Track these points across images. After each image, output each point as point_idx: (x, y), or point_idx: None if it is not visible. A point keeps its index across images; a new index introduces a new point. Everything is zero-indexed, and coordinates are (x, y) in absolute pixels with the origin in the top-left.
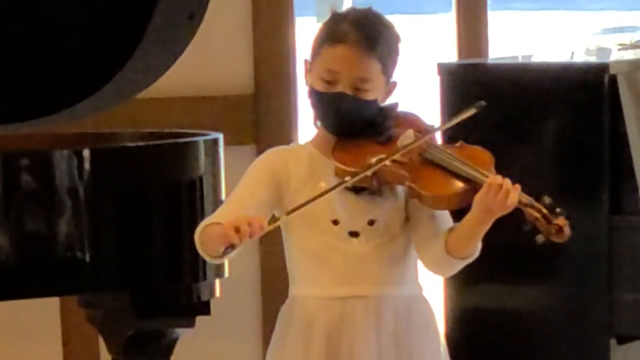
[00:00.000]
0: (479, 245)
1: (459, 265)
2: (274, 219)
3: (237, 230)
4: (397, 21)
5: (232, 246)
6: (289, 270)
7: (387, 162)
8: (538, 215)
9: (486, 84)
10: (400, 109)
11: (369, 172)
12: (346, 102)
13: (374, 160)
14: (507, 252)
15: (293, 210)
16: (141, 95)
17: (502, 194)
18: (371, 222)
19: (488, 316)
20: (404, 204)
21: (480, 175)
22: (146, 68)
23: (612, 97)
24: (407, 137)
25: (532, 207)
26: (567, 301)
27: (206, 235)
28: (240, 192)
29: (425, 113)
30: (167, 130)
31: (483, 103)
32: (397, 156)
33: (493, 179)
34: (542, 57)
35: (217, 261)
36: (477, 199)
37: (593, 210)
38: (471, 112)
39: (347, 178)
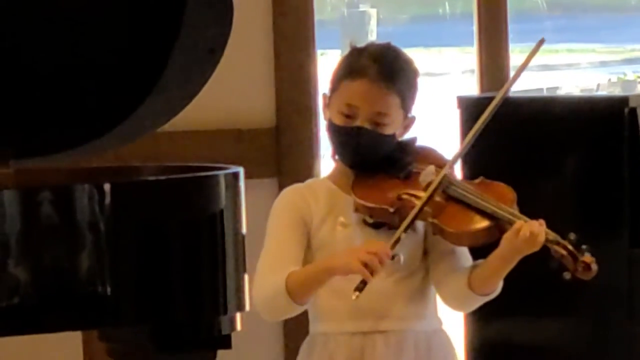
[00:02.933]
0: (501, 283)
1: (480, 302)
2: (396, 240)
3: (365, 265)
4: (418, 54)
5: (364, 283)
6: (309, 307)
7: (413, 199)
8: (564, 252)
9: (506, 118)
10: (418, 143)
11: (408, 219)
12: (365, 137)
13: (398, 196)
14: (527, 286)
15: (396, 242)
16: (162, 128)
17: (531, 236)
18: (392, 257)
19: (508, 350)
20: (423, 239)
21: (504, 213)
22: (167, 102)
23: (632, 130)
24: (428, 172)
25: (559, 244)
26: (587, 334)
27: (298, 279)
28: (276, 239)
29: (444, 147)
30: (187, 164)
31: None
32: (424, 195)
33: (521, 224)
34: (568, 90)
35: (304, 307)
36: (505, 239)
37: (613, 244)
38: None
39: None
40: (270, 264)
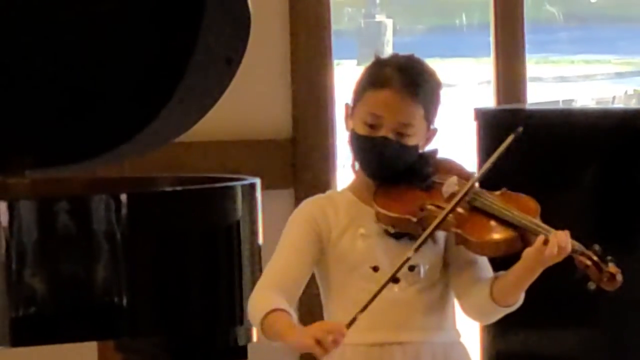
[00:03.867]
0: (523, 294)
1: (502, 313)
2: (352, 321)
3: (318, 342)
4: (434, 65)
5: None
6: (326, 317)
7: (436, 209)
8: (589, 262)
9: (524, 131)
10: (439, 155)
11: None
12: (389, 147)
13: (420, 206)
14: (545, 298)
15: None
16: (179, 139)
17: (559, 247)
18: (412, 268)
19: None
20: (443, 250)
21: (528, 223)
22: (184, 113)
23: None
24: (451, 183)
25: (583, 254)
26: (606, 346)
27: (271, 325)
28: (284, 250)
29: (461, 158)
30: (204, 175)
31: (520, 129)
32: (446, 204)
33: (545, 237)
34: (583, 102)
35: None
36: (531, 251)
37: (632, 255)
38: (510, 139)
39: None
40: (271, 276)
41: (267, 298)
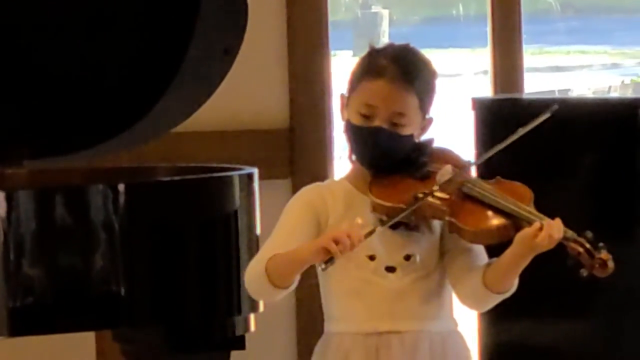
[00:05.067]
0: (517, 280)
1: (496, 300)
2: (370, 231)
3: (337, 242)
4: (431, 55)
5: (331, 260)
6: (324, 306)
7: (430, 198)
8: (581, 249)
9: (520, 119)
10: (435, 144)
11: (412, 207)
12: (384, 137)
13: (414, 195)
14: (542, 287)
15: (388, 222)
16: (176, 129)
17: (550, 235)
18: (408, 257)
19: (523, 351)
20: (439, 239)
21: (522, 211)
22: (181, 102)
23: None
24: (445, 172)
25: (575, 241)
26: (603, 336)
27: (278, 263)
28: (282, 230)
29: (459, 148)
30: (201, 165)
31: (556, 106)
32: (439, 191)
33: (540, 223)
34: (580, 91)
35: (287, 290)
36: (520, 237)
37: (628, 245)
38: (545, 116)
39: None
40: (268, 248)
41: (262, 261)
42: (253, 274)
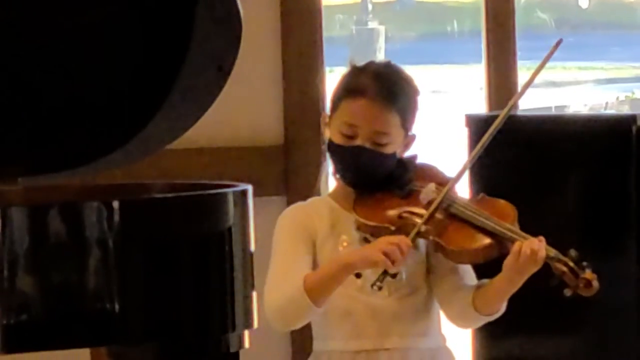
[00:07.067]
0: (505, 304)
1: (484, 321)
2: (417, 233)
3: (387, 255)
4: (426, 71)
5: (385, 274)
6: (313, 324)
7: (414, 218)
8: (565, 269)
9: (513, 135)
10: (418, 160)
11: (411, 235)
12: (365, 156)
13: (399, 214)
14: (534, 303)
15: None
16: (170, 146)
17: (532, 254)
18: (394, 275)
19: None
20: (425, 256)
21: (505, 230)
22: (175, 119)
23: (639, 148)
24: (429, 190)
25: (559, 260)
26: (595, 352)
27: (318, 281)
28: (286, 254)
29: (451, 165)
30: (195, 182)
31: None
32: (425, 213)
33: (520, 244)
34: (576, 108)
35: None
36: (507, 264)
37: (621, 261)
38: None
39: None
40: (282, 273)
41: (292, 283)
42: (288, 299)
